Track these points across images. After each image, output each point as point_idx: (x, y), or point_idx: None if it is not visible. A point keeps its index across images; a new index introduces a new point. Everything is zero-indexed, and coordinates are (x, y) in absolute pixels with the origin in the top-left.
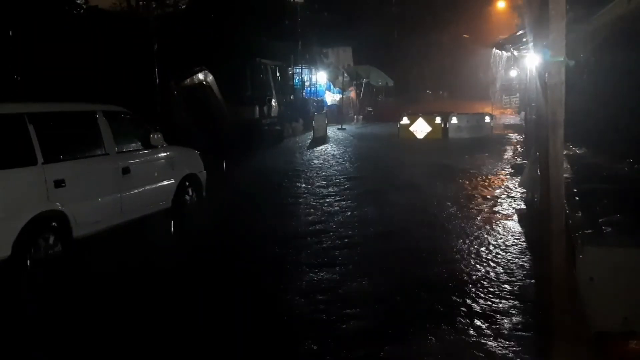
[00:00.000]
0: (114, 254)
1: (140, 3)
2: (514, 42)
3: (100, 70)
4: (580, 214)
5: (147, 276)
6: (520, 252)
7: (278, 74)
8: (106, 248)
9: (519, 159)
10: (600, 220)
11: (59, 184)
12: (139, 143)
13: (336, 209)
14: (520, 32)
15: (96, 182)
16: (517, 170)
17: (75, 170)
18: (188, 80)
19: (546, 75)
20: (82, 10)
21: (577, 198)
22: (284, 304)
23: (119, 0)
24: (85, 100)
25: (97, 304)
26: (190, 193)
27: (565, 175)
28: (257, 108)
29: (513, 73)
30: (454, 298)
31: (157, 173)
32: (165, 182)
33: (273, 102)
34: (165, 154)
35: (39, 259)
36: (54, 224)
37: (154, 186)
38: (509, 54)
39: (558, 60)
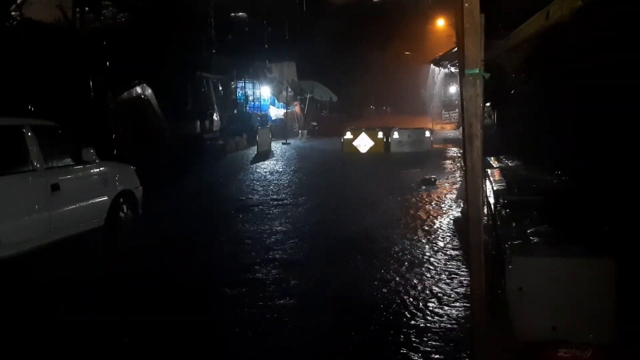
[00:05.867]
0: (39, 275)
1: (77, 16)
2: (451, 58)
3: (33, 84)
4: (511, 225)
5: (71, 299)
6: (453, 262)
7: (220, 88)
8: (31, 269)
9: (459, 173)
10: (528, 231)
11: None
12: (70, 159)
13: (278, 227)
14: (456, 49)
15: (22, 200)
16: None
17: None
18: (125, 94)
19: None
20: (14, 22)
21: (508, 209)
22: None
23: (54, 13)
24: (14, 114)
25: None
26: (125, 210)
27: (497, 187)
28: (199, 122)
29: (452, 89)
30: (375, 315)
31: (89, 190)
32: (98, 199)
33: (215, 117)
34: (97, 169)
35: None
36: None
37: (85, 203)
38: (446, 70)
39: (473, 72)
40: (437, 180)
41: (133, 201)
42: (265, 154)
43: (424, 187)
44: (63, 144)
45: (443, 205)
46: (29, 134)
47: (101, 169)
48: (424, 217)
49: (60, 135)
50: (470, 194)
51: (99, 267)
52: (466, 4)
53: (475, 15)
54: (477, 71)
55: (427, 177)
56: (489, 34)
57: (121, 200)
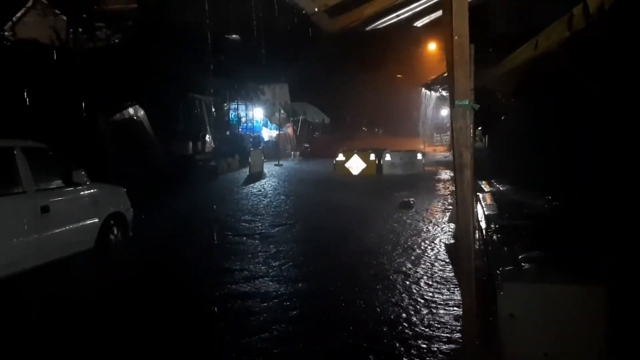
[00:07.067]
0: (25, 297)
1: (70, 37)
2: (442, 82)
3: (24, 105)
4: (503, 250)
5: (56, 322)
6: (443, 286)
7: (213, 110)
8: (17, 290)
9: (450, 198)
10: (520, 256)
11: None
12: (61, 180)
13: (269, 251)
14: (447, 73)
15: (11, 222)
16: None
17: None
18: (118, 115)
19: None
20: (8, 43)
21: (499, 234)
22: None
23: (48, 33)
24: (4, 135)
25: None
26: (116, 232)
27: (489, 211)
28: (191, 144)
29: (444, 112)
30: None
31: (79, 212)
32: (88, 221)
33: (207, 138)
34: (88, 191)
35: None
36: None
37: (75, 225)
38: (438, 93)
39: (463, 104)
40: (429, 204)
41: (123, 223)
42: (257, 176)
43: (409, 212)
44: (54, 166)
45: (419, 233)
46: (20, 155)
47: (92, 190)
48: (405, 242)
49: (51, 157)
50: (461, 221)
51: (87, 289)
52: (456, 37)
53: (465, 48)
54: (467, 102)
55: (406, 200)
56: (479, 62)
57: (111, 222)
